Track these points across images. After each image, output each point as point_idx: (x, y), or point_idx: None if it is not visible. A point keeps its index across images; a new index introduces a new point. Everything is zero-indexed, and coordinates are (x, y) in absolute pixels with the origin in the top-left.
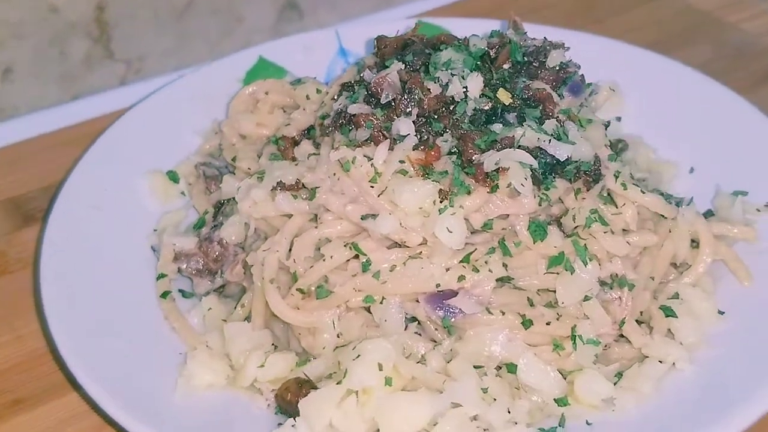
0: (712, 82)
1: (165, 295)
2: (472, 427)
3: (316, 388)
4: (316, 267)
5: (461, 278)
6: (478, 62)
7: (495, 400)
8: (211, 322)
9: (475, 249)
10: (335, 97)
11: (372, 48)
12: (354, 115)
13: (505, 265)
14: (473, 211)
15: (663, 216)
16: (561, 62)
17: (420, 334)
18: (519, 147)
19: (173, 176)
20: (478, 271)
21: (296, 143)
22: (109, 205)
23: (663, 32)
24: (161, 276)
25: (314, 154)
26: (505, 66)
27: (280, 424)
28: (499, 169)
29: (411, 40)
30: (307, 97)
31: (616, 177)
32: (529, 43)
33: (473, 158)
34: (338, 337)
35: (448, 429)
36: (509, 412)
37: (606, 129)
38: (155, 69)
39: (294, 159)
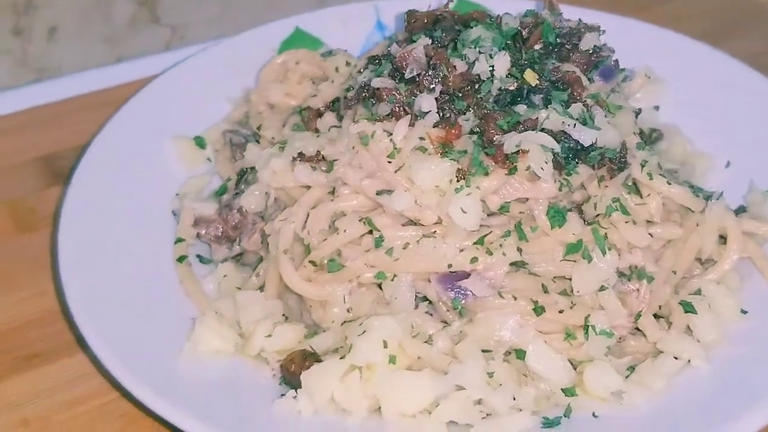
0: (759, 75)
1: (181, 259)
2: (474, 410)
3: (320, 361)
4: (330, 240)
5: (474, 260)
6: (509, 41)
7: (500, 385)
8: (225, 289)
9: (491, 231)
10: (361, 70)
11: (404, 22)
12: (377, 88)
13: (519, 250)
14: (490, 192)
15: (690, 209)
16: (594, 45)
17: (431, 315)
18: (542, 130)
19: (200, 142)
20: (491, 253)
21: (320, 115)
22: (133, 168)
23: (712, 23)
24: (179, 240)
25: (336, 126)
26: (537, 47)
27: (283, 395)
28: (519, 151)
29: (442, 15)
30: (336, 70)
31: (642, 166)
32: (564, 25)
33: (494, 139)
34: (348, 312)
35: (450, 411)
36: (514, 398)
37: (637, 116)
38: (199, 36)
39: (317, 130)
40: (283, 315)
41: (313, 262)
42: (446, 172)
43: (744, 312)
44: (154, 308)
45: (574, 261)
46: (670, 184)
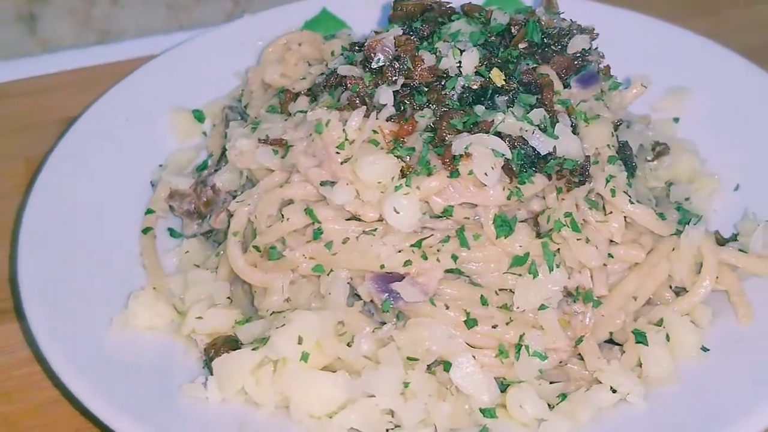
0: None
1: (146, 230)
2: (381, 420)
3: (239, 348)
4: (275, 227)
5: (407, 263)
6: (492, 38)
7: (415, 396)
8: (184, 266)
9: (431, 235)
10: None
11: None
12: (344, 76)
13: (455, 257)
14: (432, 194)
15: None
16: (583, 49)
17: (372, 314)
18: (499, 134)
19: (199, 115)
20: (426, 258)
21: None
22: (124, 137)
23: None
24: (149, 212)
25: (302, 111)
26: (521, 46)
27: (206, 377)
28: (464, 153)
29: (430, 6)
30: (333, 53)
31: (607, 181)
32: (558, 25)
33: (446, 138)
34: (287, 301)
35: (353, 417)
36: (428, 412)
37: (618, 128)
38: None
39: (289, 114)
40: (228, 298)
41: (257, 248)
42: (388, 169)
43: (705, 350)
44: (105, 278)
45: (519, 275)
46: (632, 203)
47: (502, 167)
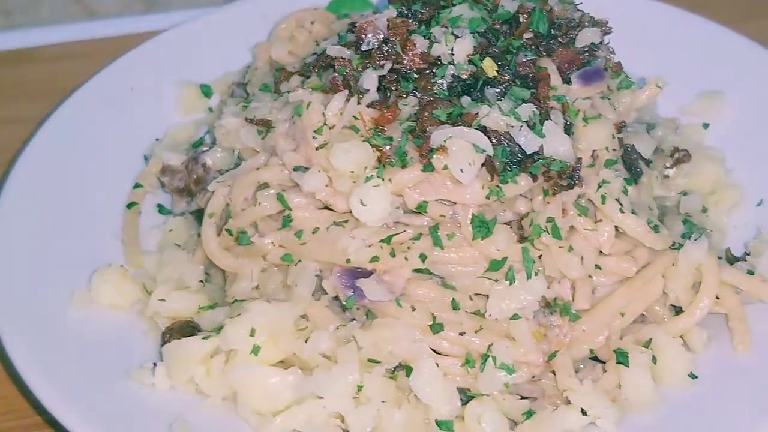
0: None
1: (131, 205)
2: (328, 424)
3: (194, 335)
4: (248, 211)
5: (374, 259)
6: (495, 25)
7: (368, 401)
8: (165, 244)
9: (404, 231)
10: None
11: None
12: (334, 57)
13: (423, 257)
14: (406, 187)
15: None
16: (591, 43)
17: (345, 311)
18: (484, 128)
19: (206, 90)
20: (394, 255)
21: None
22: (125, 106)
23: None
24: (137, 186)
25: (289, 91)
26: (527, 36)
27: (155, 364)
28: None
29: None
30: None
31: (599, 186)
32: (570, 16)
33: (428, 129)
34: (256, 289)
35: (298, 418)
36: (380, 419)
37: (622, 130)
38: None
39: (280, 93)
40: (201, 281)
41: (229, 231)
42: (363, 157)
43: (693, 377)
44: (78, 253)
45: (495, 280)
46: (623, 212)
47: (484, 164)
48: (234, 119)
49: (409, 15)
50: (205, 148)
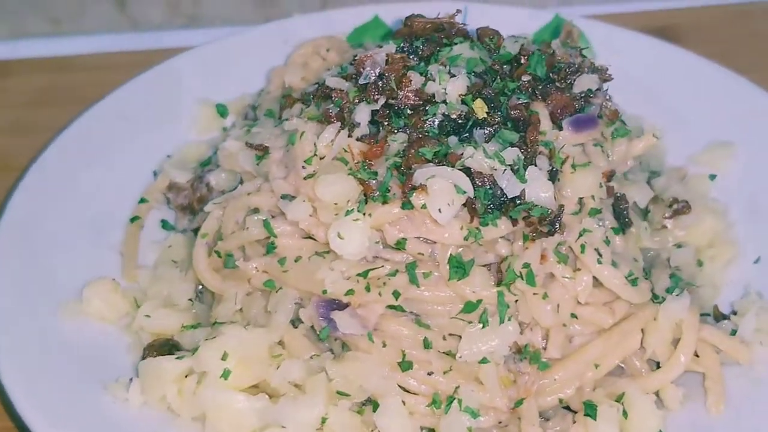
0: None
1: (134, 219)
2: None
3: (171, 354)
4: (236, 234)
5: (350, 292)
6: (494, 66)
7: None
8: (163, 260)
9: (382, 266)
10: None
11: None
12: (332, 89)
13: (396, 294)
14: (385, 222)
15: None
16: (588, 89)
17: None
18: (468, 170)
19: (222, 110)
20: (369, 290)
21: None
22: (141, 122)
23: None
24: (142, 200)
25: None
26: (525, 78)
27: (131, 379)
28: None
29: (442, 25)
30: None
31: (580, 235)
32: (572, 60)
33: (413, 167)
34: (239, 312)
35: None
36: None
37: (611, 179)
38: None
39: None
40: (190, 300)
41: (218, 253)
42: (347, 190)
43: None
44: (75, 265)
45: (470, 322)
46: (601, 263)
47: (466, 205)
48: (235, 142)
49: (410, 51)
50: (211, 168)
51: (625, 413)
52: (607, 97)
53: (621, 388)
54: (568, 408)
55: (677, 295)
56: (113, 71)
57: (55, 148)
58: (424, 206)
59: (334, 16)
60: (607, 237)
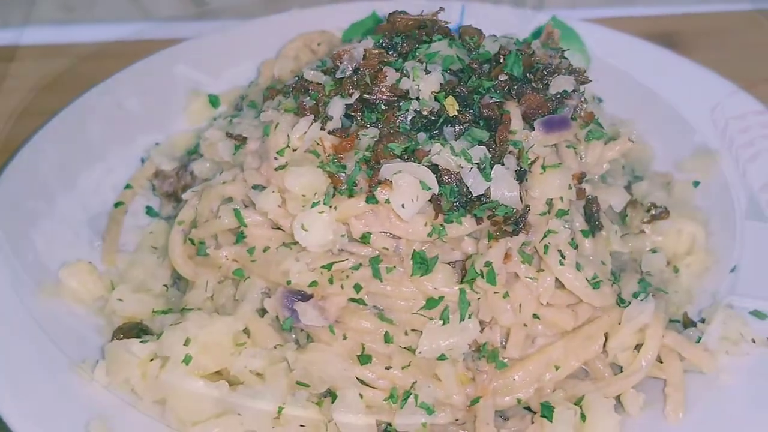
0: None
1: (118, 204)
2: None
3: (139, 337)
4: (209, 223)
5: (313, 284)
6: (473, 64)
7: (287, 423)
8: (143, 245)
9: (346, 260)
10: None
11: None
12: (310, 81)
13: (357, 287)
14: (351, 216)
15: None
16: (564, 90)
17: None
18: (436, 166)
19: (214, 101)
20: (332, 282)
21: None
22: (134, 110)
23: None
24: (127, 186)
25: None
26: (502, 77)
27: (98, 360)
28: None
29: (425, 23)
30: None
31: (544, 236)
32: (551, 62)
33: (381, 162)
34: (210, 300)
35: (214, 431)
36: None
37: (582, 181)
38: None
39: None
40: (165, 286)
41: (191, 240)
42: (314, 183)
43: None
44: (56, 246)
45: (431, 318)
46: (563, 264)
47: (431, 201)
48: (217, 132)
49: (389, 47)
50: (195, 157)
51: (583, 416)
52: (583, 99)
53: (581, 390)
54: (528, 408)
55: (642, 300)
56: (123, 60)
57: (44, 132)
58: (387, 201)
59: (332, 11)
60: (573, 239)
